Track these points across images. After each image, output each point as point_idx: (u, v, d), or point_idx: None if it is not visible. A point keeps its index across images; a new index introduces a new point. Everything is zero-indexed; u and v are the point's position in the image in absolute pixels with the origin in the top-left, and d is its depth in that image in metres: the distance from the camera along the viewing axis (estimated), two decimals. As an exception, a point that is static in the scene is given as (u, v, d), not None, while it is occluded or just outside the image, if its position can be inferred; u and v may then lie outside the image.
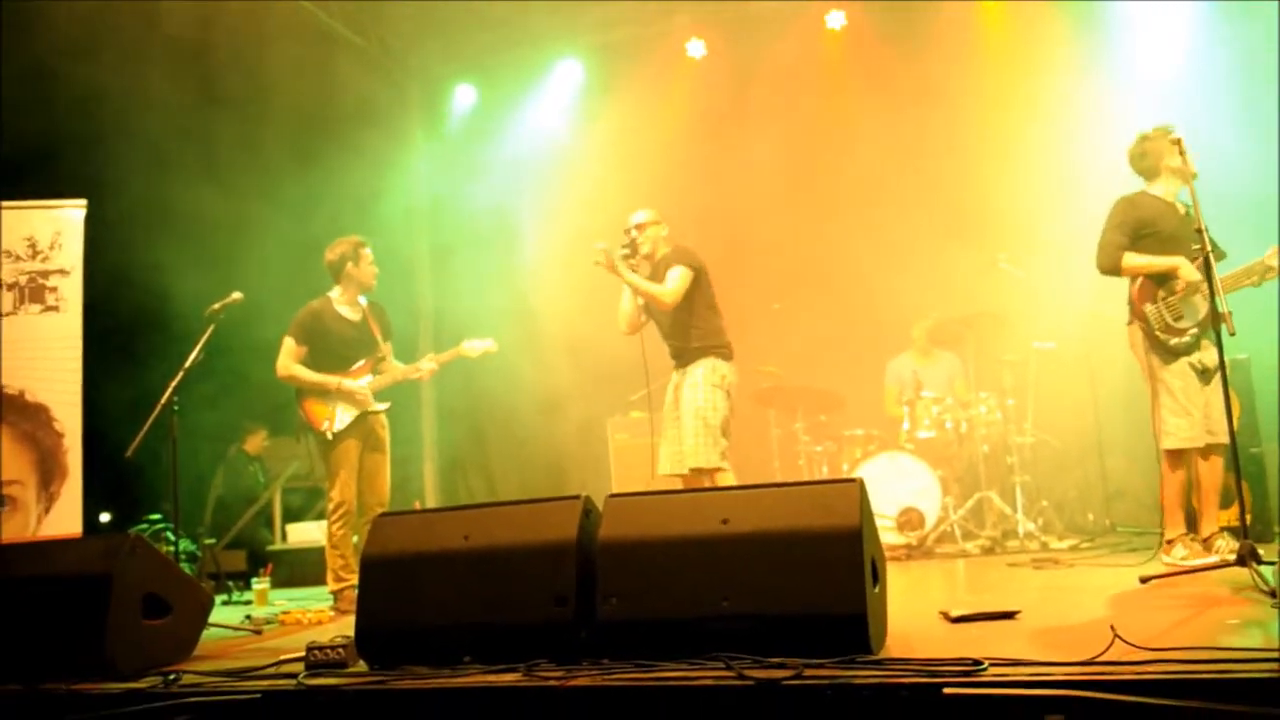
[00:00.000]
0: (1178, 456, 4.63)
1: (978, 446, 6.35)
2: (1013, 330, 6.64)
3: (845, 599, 2.82)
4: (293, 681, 3.17)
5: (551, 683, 2.84)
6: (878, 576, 3.05)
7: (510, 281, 8.65)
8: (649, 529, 3.09)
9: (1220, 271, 4.50)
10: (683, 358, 5.21)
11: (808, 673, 2.64)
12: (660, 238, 5.35)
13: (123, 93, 6.44)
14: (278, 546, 7.63)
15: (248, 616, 5.02)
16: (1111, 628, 2.73)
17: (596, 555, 3.10)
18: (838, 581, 2.84)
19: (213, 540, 7.17)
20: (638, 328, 5.39)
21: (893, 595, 4.45)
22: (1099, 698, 2.34)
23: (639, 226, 5.35)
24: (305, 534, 7.59)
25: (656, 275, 5.26)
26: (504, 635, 3.11)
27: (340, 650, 3.36)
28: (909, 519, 6.08)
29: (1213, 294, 3.93)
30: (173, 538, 6.58)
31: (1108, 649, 2.62)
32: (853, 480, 3.01)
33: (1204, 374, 4.56)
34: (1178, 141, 4.23)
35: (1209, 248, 3.94)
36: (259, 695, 3.14)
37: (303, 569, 7.14)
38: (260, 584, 5.94)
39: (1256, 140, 6.38)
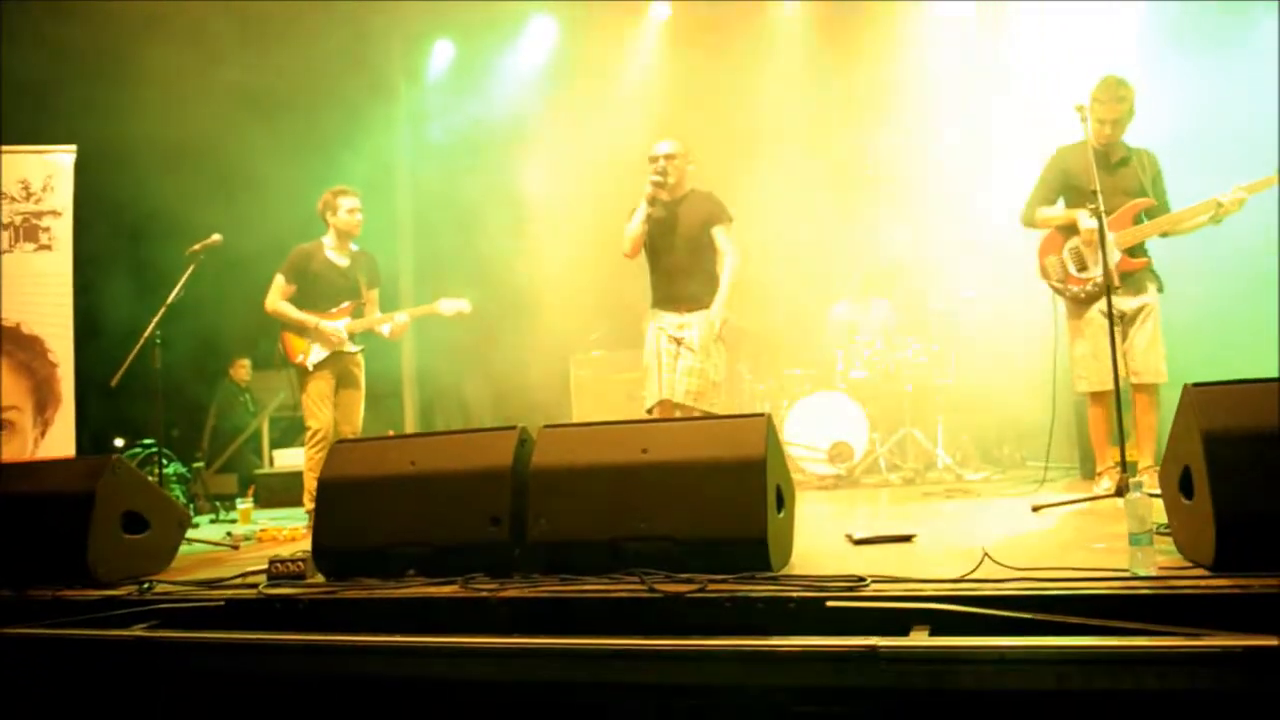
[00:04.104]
0: (1096, 397, 4.64)
1: (903, 386, 6.45)
2: (940, 280, 6.72)
3: (749, 523, 2.90)
4: (253, 591, 3.26)
5: (484, 594, 2.93)
6: (783, 503, 3.13)
7: (487, 229, 8.61)
8: (577, 457, 3.16)
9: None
10: (692, 302, 4.95)
11: (711, 587, 2.73)
12: (685, 171, 5.01)
13: (113, 43, 6.32)
14: (265, 471, 7.69)
15: (228, 533, 5.09)
16: (984, 550, 2.84)
17: (529, 480, 3.17)
18: (743, 507, 2.92)
19: (200, 464, 7.22)
20: (638, 252, 5.04)
21: (814, 520, 4.57)
22: (960, 610, 2.45)
23: (669, 156, 4.93)
24: (291, 459, 7.63)
25: (682, 210, 4.98)
26: (445, 552, 3.20)
27: (299, 564, 3.44)
28: (839, 451, 6.19)
29: (1103, 247, 4.00)
30: (166, 461, 6.65)
31: (977, 568, 2.73)
32: (761, 415, 3.07)
33: (1121, 319, 4.50)
34: (1080, 109, 4.22)
35: (1102, 207, 4.00)
36: (222, 603, 3.23)
37: (288, 492, 7.19)
38: (244, 504, 6.02)
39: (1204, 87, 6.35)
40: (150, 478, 6.22)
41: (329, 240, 5.52)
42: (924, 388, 6.49)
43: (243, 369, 8.47)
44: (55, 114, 5.88)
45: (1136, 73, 5.54)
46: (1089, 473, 5.58)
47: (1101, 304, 4.51)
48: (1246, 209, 4.74)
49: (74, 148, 5.82)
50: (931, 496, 5.23)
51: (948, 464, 6.17)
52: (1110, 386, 4.52)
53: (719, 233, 4.97)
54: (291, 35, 7.61)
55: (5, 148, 5.77)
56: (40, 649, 3.20)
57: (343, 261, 5.53)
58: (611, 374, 7.19)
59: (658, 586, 2.76)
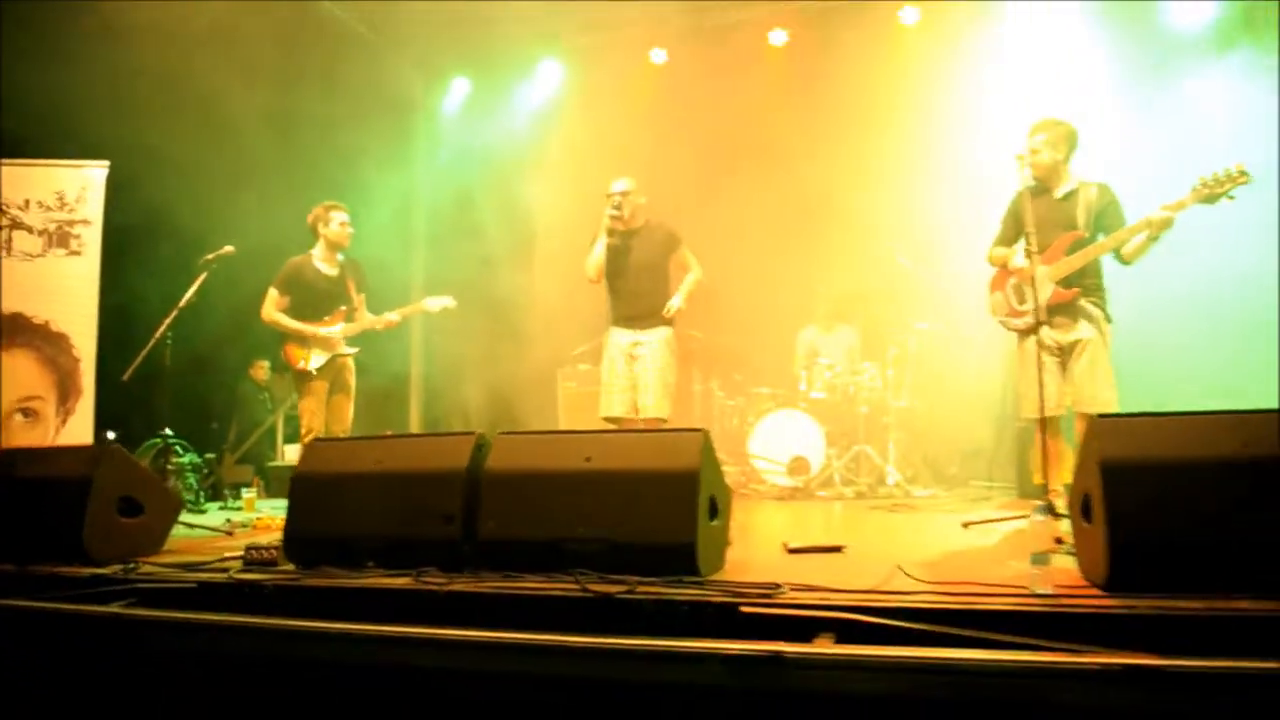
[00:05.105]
0: (1039, 423, 4.43)
1: (859, 407, 6.36)
2: (898, 311, 6.64)
3: (680, 529, 2.83)
4: (225, 575, 3.19)
5: (433, 587, 2.86)
6: (717, 512, 3.05)
7: (492, 249, 8.57)
8: (527, 462, 3.09)
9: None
10: (647, 320, 5.06)
11: (639, 589, 2.66)
12: (639, 205, 5.17)
13: (154, 69, 6.28)
14: (277, 463, 7.64)
15: (228, 520, 5.03)
16: (896, 564, 2.76)
17: (482, 483, 3.10)
18: (675, 514, 2.84)
19: (212, 455, 7.16)
20: (601, 278, 5.19)
21: (764, 529, 4.50)
22: (861, 620, 2.37)
23: (624, 194, 5.11)
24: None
25: (637, 240, 5.12)
26: (402, 545, 3.12)
27: (273, 551, 3.38)
28: (797, 465, 6.11)
29: (1035, 285, 3.92)
30: (181, 451, 6.60)
31: (888, 579, 2.65)
32: (697, 430, 2.99)
33: (1060, 351, 4.37)
34: (1019, 158, 4.14)
35: (1034, 248, 3.93)
36: (195, 585, 3.16)
37: (297, 483, 7.12)
38: (249, 493, 5.95)
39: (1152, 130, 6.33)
40: (169, 466, 6.23)
41: (317, 252, 5.49)
42: (878, 409, 6.41)
43: (261, 370, 8.44)
44: (92, 129, 5.83)
45: (1099, 112, 5.53)
46: (1026, 493, 5.49)
47: (1040, 335, 4.41)
48: (1251, 240, 4.60)
49: (107, 163, 5.82)
50: (878, 510, 5.13)
51: (897, 480, 6.07)
52: (1045, 414, 4.46)
53: (682, 255, 5.20)
54: (323, 66, 7.61)
55: (43, 161, 5.78)
56: (29, 620, 3.15)
57: (331, 271, 5.49)
58: (594, 386, 7.09)
59: (590, 587, 2.69)
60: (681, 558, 2.80)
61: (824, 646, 2.29)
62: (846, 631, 2.37)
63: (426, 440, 3.37)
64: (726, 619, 2.53)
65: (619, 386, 5.10)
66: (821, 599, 2.52)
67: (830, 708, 2.26)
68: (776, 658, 2.24)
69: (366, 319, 5.53)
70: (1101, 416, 2.58)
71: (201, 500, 6.36)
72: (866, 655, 2.21)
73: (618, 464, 2.96)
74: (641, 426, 4.95)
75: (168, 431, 6.66)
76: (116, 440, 7.12)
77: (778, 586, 2.60)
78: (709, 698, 2.35)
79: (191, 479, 6.36)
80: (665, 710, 2.39)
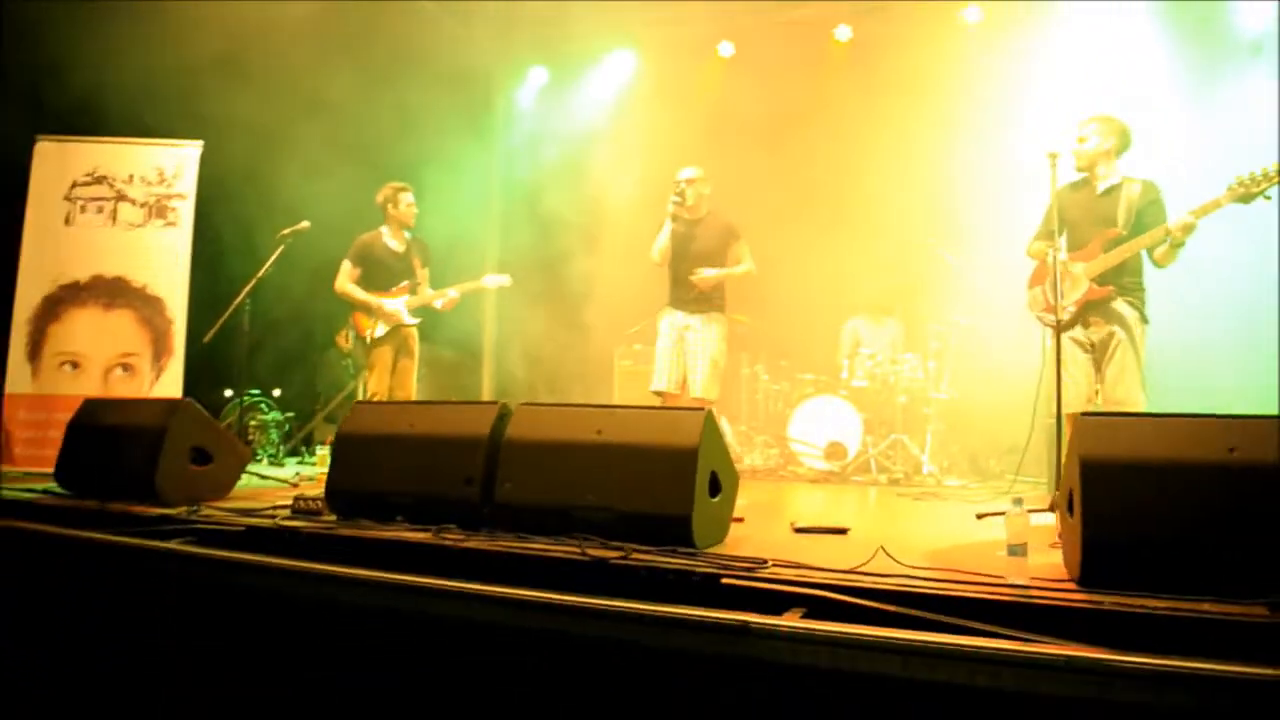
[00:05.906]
0: (1071, 419, 4.40)
1: (898, 397, 6.27)
2: (941, 305, 6.50)
3: (678, 502, 2.89)
4: (271, 521, 3.39)
5: (449, 543, 2.99)
6: (720, 488, 3.09)
7: (561, 229, 8.68)
8: (543, 432, 3.18)
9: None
10: (702, 305, 5.11)
11: (634, 556, 2.73)
12: (704, 194, 5.18)
13: (243, 55, 6.52)
14: (354, 423, 7.90)
15: (297, 473, 5.29)
16: (880, 546, 2.77)
17: (501, 449, 3.21)
18: (674, 488, 2.90)
19: (293, 414, 7.47)
20: (667, 262, 5.23)
21: (782, 509, 4.51)
22: (831, 597, 2.39)
23: (689, 181, 5.12)
24: (376, 415, 7.81)
25: (700, 229, 5.15)
26: (427, 503, 3.27)
27: (318, 502, 3.56)
28: (834, 450, 6.06)
29: (1057, 282, 3.81)
30: (266, 409, 6.93)
31: (868, 561, 2.66)
32: (700, 409, 3.04)
33: (1092, 349, 4.22)
34: (1051, 155, 4.01)
35: (1060, 249, 3.82)
36: (244, 529, 3.37)
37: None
38: (322, 450, 6.20)
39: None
40: (253, 422, 6.55)
41: (386, 230, 5.68)
42: (918, 400, 6.31)
43: (345, 337, 8.74)
44: (189, 109, 6.13)
45: (1159, 112, 5.28)
46: (1056, 487, 5.35)
47: (1072, 332, 4.27)
48: (1256, 246, 4.39)
49: (201, 142, 6.14)
50: (904, 497, 5.08)
51: (931, 470, 5.97)
52: (1075, 409, 4.32)
53: (738, 249, 5.19)
54: (406, 52, 7.79)
55: (145, 140, 6.14)
56: (104, 551, 3.41)
57: (399, 248, 5.68)
58: (647, 365, 7.18)
59: (589, 551, 2.78)
60: (678, 529, 2.87)
61: (790, 620, 2.32)
62: (819, 608, 2.39)
63: (455, 408, 3.49)
64: (710, 589, 2.58)
65: (669, 363, 5.17)
66: (800, 576, 2.55)
67: (792, 678, 2.30)
68: (744, 628, 2.28)
69: (429, 294, 5.72)
70: (1085, 415, 2.52)
71: (281, 454, 6.67)
72: (827, 631, 2.24)
73: (625, 438, 3.03)
74: (688, 403, 5.01)
75: (275, 392, 7.03)
76: (232, 398, 7.54)
77: (764, 562, 2.63)
78: (683, 660, 2.41)
79: (274, 435, 6.68)
80: (643, 668, 2.46)
